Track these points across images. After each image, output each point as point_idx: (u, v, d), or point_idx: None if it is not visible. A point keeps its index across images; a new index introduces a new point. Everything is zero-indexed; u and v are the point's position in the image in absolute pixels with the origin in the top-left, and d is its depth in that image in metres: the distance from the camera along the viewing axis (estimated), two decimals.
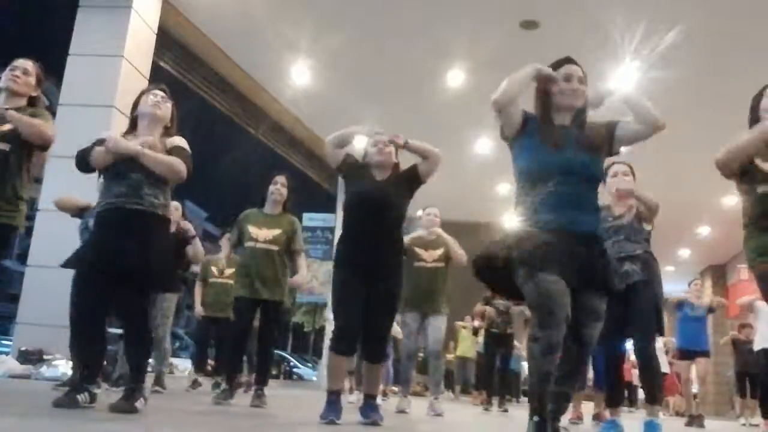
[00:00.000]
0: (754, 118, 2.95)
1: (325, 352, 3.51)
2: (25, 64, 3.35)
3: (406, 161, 3.64)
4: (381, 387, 5.84)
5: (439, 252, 5.41)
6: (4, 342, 14.38)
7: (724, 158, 2.77)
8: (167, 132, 3.24)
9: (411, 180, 3.55)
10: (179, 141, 3.20)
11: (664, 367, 9.13)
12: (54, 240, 5.90)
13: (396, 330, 7.32)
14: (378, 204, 3.43)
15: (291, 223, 4.69)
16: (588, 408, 6.36)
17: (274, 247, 4.56)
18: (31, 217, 5.63)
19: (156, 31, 7.28)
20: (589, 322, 2.50)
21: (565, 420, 3.10)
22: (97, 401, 2.99)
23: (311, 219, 12.65)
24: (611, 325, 3.87)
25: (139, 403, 2.95)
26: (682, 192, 10.22)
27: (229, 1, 7.53)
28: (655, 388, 4.05)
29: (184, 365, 12.99)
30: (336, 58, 8.37)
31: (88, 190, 4.35)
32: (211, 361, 7.90)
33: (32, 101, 3.35)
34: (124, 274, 2.99)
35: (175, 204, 4.74)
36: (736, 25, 6.97)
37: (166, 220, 3.18)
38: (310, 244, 11.90)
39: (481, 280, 2.68)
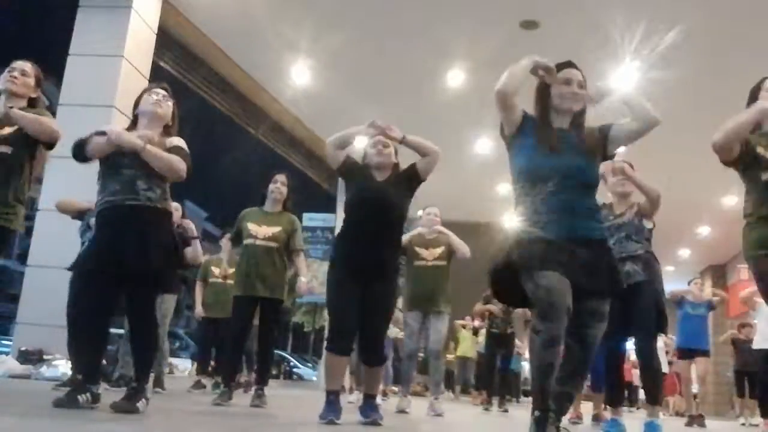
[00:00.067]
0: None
1: (325, 351, 3.51)
2: (24, 65, 3.35)
3: (405, 160, 3.64)
4: (381, 387, 5.84)
5: (440, 250, 5.39)
6: (4, 342, 14.37)
7: (721, 139, 2.75)
8: (168, 131, 3.24)
9: (411, 179, 3.55)
10: (178, 141, 3.20)
11: (664, 367, 9.13)
12: (54, 240, 5.91)
13: (394, 331, 7.34)
14: (379, 204, 3.43)
15: (291, 222, 4.68)
16: (587, 408, 6.36)
17: (274, 245, 4.55)
18: (31, 217, 5.64)
19: (156, 31, 7.28)
20: (593, 323, 2.51)
21: (565, 420, 3.10)
22: (99, 401, 3.00)
23: (311, 219, 12.64)
24: (612, 325, 3.88)
25: (140, 404, 2.95)
26: (682, 192, 10.21)
27: (229, 1, 7.53)
28: (656, 388, 4.06)
29: (184, 365, 13.02)
30: (336, 58, 8.38)
31: (88, 190, 4.33)
32: (212, 362, 7.89)
33: (32, 102, 3.35)
34: (126, 272, 2.99)
35: (175, 205, 4.74)
36: (736, 25, 6.97)
37: (165, 214, 3.17)
38: (310, 244, 11.89)
39: (500, 295, 2.71)
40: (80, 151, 3.09)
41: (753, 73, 3.08)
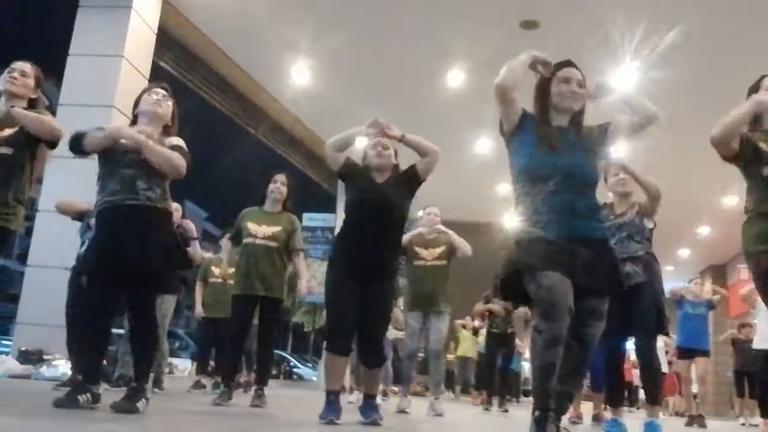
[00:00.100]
0: None
1: (325, 352, 3.51)
2: (23, 66, 3.34)
3: (405, 161, 3.64)
4: (381, 387, 5.84)
5: (440, 250, 5.39)
6: (4, 342, 14.37)
7: (719, 133, 2.76)
8: (167, 131, 3.24)
9: (411, 180, 3.54)
10: (177, 141, 3.20)
11: (664, 367, 9.13)
12: (54, 240, 5.92)
13: (393, 332, 7.34)
14: (380, 206, 3.43)
15: (291, 222, 4.68)
16: (587, 408, 6.36)
17: (274, 244, 4.55)
18: (31, 218, 5.64)
19: (156, 31, 7.28)
20: (592, 322, 2.51)
21: (565, 420, 3.10)
22: (100, 401, 3.00)
23: (311, 219, 12.63)
24: (612, 325, 3.88)
25: (140, 404, 2.95)
26: (682, 192, 10.21)
27: (229, 1, 7.53)
28: (656, 388, 4.07)
29: (184, 365, 13.02)
30: (336, 58, 8.38)
31: (88, 190, 4.34)
32: (212, 362, 7.90)
33: (32, 103, 3.34)
34: (127, 272, 2.99)
35: (175, 205, 4.74)
36: (736, 25, 6.97)
37: (166, 213, 3.17)
38: (310, 244, 11.88)
39: (507, 295, 2.71)
40: (77, 144, 3.08)
41: (753, 73, 3.08)
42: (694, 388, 8.12)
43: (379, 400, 4.36)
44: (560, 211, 2.47)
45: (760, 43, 7.07)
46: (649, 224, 4.11)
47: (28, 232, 6.67)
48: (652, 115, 2.57)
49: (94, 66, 6.68)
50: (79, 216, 4.87)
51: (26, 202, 3.28)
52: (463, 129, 9.80)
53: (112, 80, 6.58)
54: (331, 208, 12.89)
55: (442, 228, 5.45)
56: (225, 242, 5.47)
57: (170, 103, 3.28)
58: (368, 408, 3.51)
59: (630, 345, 4.43)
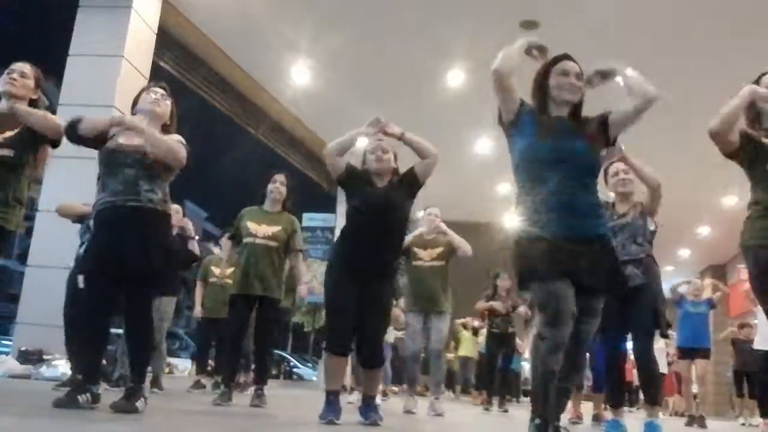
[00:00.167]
0: None
1: (324, 352, 3.52)
2: (23, 67, 3.34)
3: (404, 162, 3.64)
4: (381, 387, 5.84)
5: (438, 250, 5.39)
6: (4, 342, 14.37)
7: (717, 125, 2.76)
8: (166, 130, 3.24)
9: (411, 184, 3.55)
10: (176, 137, 3.21)
11: (663, 368, 9.12)
12: (54, 240, 5.92)
13: (393, 334, 7.34)
14: (381, 210, 3.43)
15: (291, 222, 4.68)
16: (587, 408, 6.36)
17: (274, 244, 4.54)
18: (30, 218, 5.65)
19: (156, 31, 7.28)
20: (587, 319, 2.52)
21: (564, 420, 3.11)
22: (100, 401, 3.00)
23: (311, 219, 12.63)
24: (612, 326, 3.90)
25: (139, 403, 2.95)
26: (682, 192, 10.20)
27: (229, 1, 7.53)
28: (654, 388, 4.07)
29: (184, 365, 13.01)
30: (336, 58, 8.38)
31: (88, 190, 4.34)
32: (211, 362, 7.90)
33: (32, 103, 3.34)
34: (126, 273, 2.99)
35: (176, 207, 4.74)
36: (736, 25, 6.97)
37: (165, 216, 3.17)
38: (310, 244, 11.89)
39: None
40: (73, 131, 3.07)
41: (753, 73, 3.08)
42: (694, 388, 8.12)
43: (378, 400, 4.35)
44: (560, 210, 2.46)
45: (760, 43, 7.06)
46: (651, 226, 4.10)
47: (28, 232, 6.68)
48: (652, 97, 2.54)
49: (94, 66, 6.68)
50: (80, 218, 4.87)
51: (26, 202, 3.29)
52: (463, 129, 9.79)
53: (112, 80, 6.58)
54: (331, 208, 12.89)
55: (443, 228, 5.45)
56: (225, 242, 5.47)
57: (169, 102, 3.28)
58: (368, 408, 3.51)
59: (630, 345, 4.43)
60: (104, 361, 4.53)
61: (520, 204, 2.57)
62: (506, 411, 7.09)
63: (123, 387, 3.59)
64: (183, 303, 23.34)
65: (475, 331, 9.97)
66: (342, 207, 11.11)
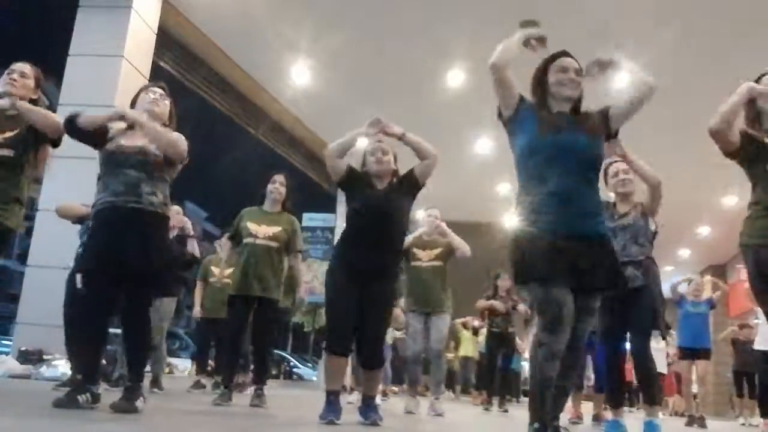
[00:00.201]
0: None
1: (324, 352, 3.52)
2: (23, 67, 3.34)
3: (404, 164, 3.63)
4: (381, 387, 5.84)
5: (437, 251, 5.39)
6: (4, 342, 14.37)
7: (716, 123, 2.77)
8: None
9: (411, 186, 3.55)
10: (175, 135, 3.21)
11: (662, 368, 9.12)
12: (54, 240, 5.92)
13: (392, 334, 7.33)
14: (381, 212, 3.43)
15: (291, 222, 4.68)
16: (587, 408, 6.36)
17: (274, 244, 4.54)
18: (31, 218, 5.64)
19: (156, 31, 7.28)
20: (584, 318, 2.52)
21: (564, 420, 3.11)
22: (100, 401, 2.99)
23: (311, 219, 12.62)
24: (613, 326, 3.90)
25: (139, 403, 2.95)
26: (682, 192, 10.21)
27: (229, 1, 7.53)
28: (653, 388, 4.06)
29: (184, 365, 13.01)
30: (336, 58, 8.38)
31: (88, 190, 4.34)
32: (211, 362, 7.90)
33: (33, 104, 3.34)
34: (125, 273, 2.98)
35: (176, 208, 4.74)
36: (736, 25, 6.97)
37: (165, 219, 3.17)
38: (310, 244, 11.88)
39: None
40: (72, 124, 3.07)
41: (753, 73, 3.08)
42: (694, 389, 8.12)
43: (378, 400, 4.35)
44: (560, 209, 2.45)
45: (760, 43, 7.07)
46: (652, 226, 4.09)
47: (28, 232, 6.68)
48: (653, 87, 2.55)
49: (94, 66, 6.68)
50: (79, 219, 4.87)
51: (26, 202, 3.29)
52: (463, 129, 9.79)
53: (112, 80, 6.58)
54: (331, 208, 12.89)
55: (444, 229, 5.45)
56: (224, 242, 5.46)
57: (167, 101, 3.28)
58: (368, 408, 3.51)
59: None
60: (104, 361, 4.53)
61: (521, 202, 2.56)
62: (506, 411, 7.09)
63: (123, 387, 3.58)
64: (183, 303, 23.33)
65: (475, 331, 9.96)
66: (342, 207, 11.13)
